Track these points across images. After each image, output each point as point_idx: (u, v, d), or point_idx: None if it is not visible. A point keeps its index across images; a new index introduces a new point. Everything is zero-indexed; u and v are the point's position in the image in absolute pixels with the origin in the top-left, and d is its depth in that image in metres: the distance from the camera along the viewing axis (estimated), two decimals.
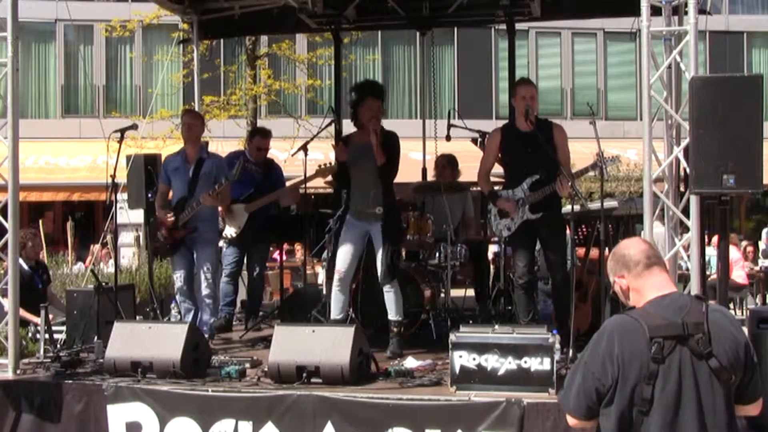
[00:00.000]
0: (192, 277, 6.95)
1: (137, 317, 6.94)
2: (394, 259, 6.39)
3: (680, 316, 2.95)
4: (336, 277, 6.41)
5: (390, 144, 6.38)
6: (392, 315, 6.41)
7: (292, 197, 8.01)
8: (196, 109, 9.12)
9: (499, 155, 6.51)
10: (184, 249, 6.90)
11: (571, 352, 5.71)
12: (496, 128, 6.68)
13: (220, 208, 7.27)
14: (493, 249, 9.71)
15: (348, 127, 7.00)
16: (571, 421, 3.10)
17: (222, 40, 15.64)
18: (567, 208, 6.26)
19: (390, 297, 6.38)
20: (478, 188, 6.80)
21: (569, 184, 5.94)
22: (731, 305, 12.56)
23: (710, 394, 2.92)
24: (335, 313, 6.44)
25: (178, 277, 6.92)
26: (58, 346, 6.29)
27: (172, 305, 7.14)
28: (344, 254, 6.40)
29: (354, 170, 6.54)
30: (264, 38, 16.95)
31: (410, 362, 5.78)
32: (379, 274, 6.35)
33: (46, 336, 6.16)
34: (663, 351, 2.90)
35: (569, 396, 3.07)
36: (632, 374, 2.91)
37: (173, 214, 6.78)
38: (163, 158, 7.30)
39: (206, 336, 6.51)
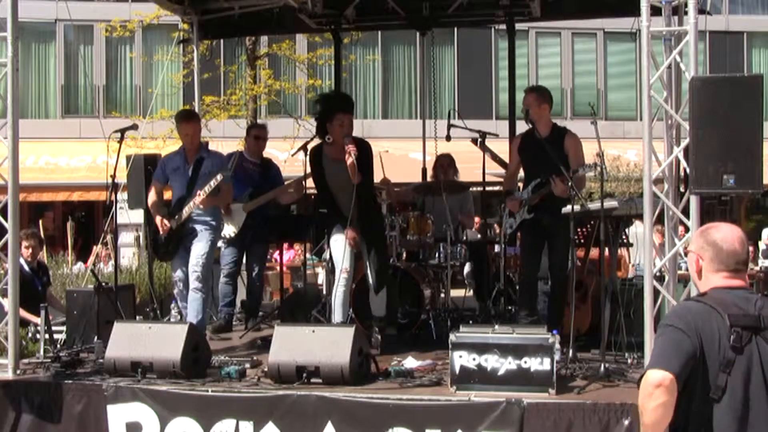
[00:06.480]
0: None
1: (137, 317, 6.91)
2: (382, 265, 6.46)
3: (753, 308, 3.00)
4: (343, 276, 6.32)
5: (364, 155, 6.26)
6: (377, 312, 6.61)
7: (291, 195, 7.98)
8: (197, 109, 9.08)
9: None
10: (182, 251, 6.68)
11: (570, 352, 5.71)
12: (519, 133, 6.95)
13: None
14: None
15: None
16: (655, 378, 2.92)
17: (222, 40, 15.56)
18: (567, 208, 6.26)
19: (375, 297, 6.52)
20: (479, 188, 6.86)
21: (569, 184, 5.97)
22: None
23: None
24: (341, 317, 6.32)
25: (177, 280, 6.76)
26: (58, 346, 6.29)
27: (172, 305, 7.11)
28: (347, 254, 6.34)
29: (332, 181, 6.47)
30: (264, 38, 16.91)
31: (410, 362, 5.77)
32: (369, 280, 6.41)
33: (46, 336, 6.17)
34: (742, 340, 2.94)
35: (655, 359, 2.98)
36: (710, 358, 2.94)
37: (171, 214, 6.70)
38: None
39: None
